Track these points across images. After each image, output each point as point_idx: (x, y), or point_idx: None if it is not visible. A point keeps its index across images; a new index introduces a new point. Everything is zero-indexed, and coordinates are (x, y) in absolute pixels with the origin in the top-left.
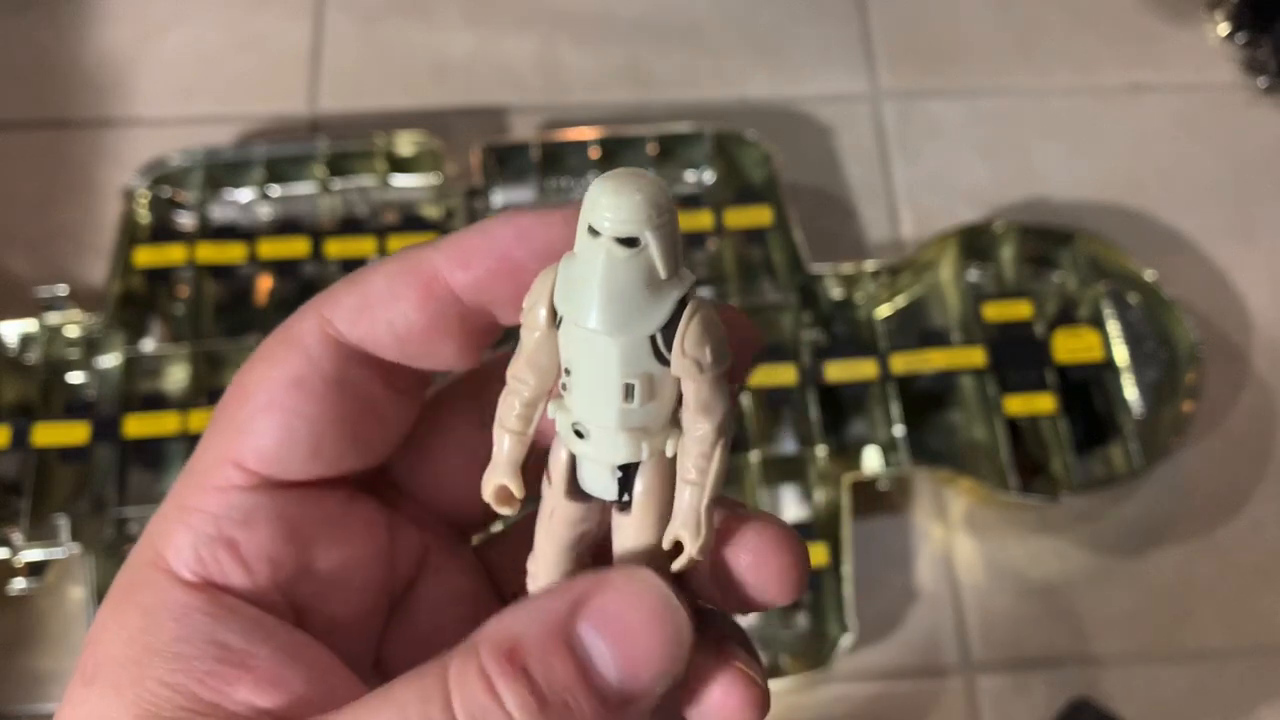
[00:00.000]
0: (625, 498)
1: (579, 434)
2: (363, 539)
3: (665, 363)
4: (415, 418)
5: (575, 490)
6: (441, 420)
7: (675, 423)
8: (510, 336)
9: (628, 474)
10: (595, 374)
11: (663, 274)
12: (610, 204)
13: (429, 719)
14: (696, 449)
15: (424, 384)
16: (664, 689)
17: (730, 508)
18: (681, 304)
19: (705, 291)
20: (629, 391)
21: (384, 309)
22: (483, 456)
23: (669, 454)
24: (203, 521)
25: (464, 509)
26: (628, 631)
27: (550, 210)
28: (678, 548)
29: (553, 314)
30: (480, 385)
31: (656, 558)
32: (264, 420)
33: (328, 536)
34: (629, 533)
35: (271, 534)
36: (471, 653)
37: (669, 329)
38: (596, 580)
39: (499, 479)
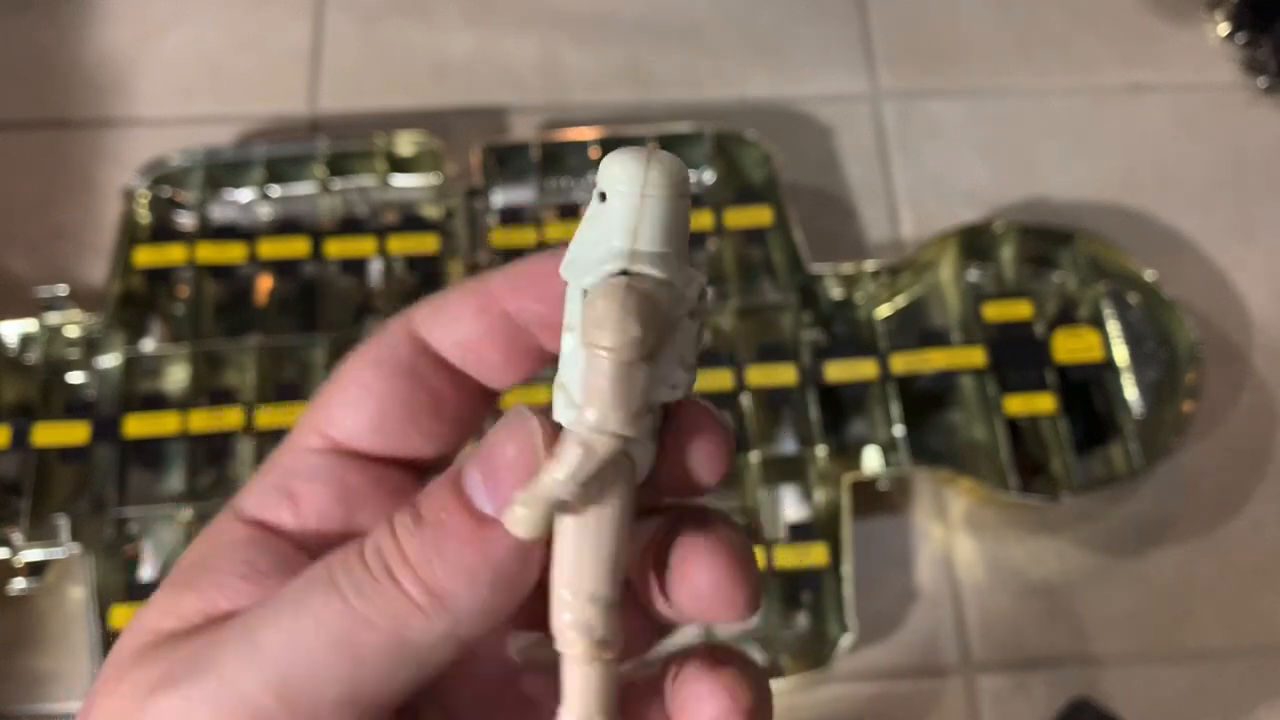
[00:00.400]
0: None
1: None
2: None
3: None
4: (480, 422)
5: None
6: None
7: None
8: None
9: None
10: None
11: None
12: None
13: (346, 558)
14: (561, 444)
15: (490, 397)
16: (535, 516)
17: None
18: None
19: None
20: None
21: (449, 316)
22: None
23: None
24: (273, 473)
25: None
26: (490, 450)
27: None
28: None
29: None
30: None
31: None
32: (340, 392)
33: (379, 505)
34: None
35: (327, 491)
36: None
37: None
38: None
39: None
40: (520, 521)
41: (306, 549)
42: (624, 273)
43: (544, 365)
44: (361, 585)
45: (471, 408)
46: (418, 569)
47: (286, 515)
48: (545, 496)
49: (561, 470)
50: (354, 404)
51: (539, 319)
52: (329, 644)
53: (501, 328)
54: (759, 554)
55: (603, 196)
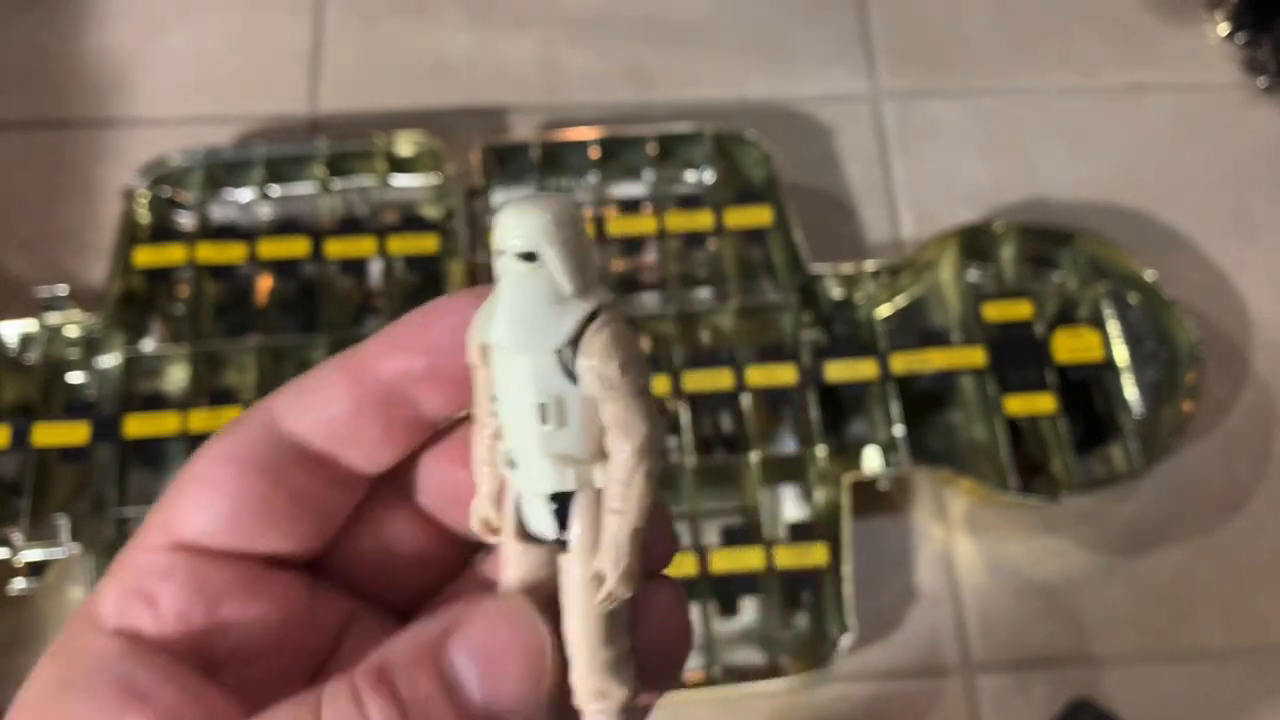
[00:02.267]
0: (562, 535)
1: (512, 463)
2: (279, 605)
3: (576, 382)
4: (349, 513)
5: (522, 531)
6: (366, 508)
7: (601, 464)
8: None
9: (563, 508)
10: (513, 397)
11: (567, 289)
12: (508, 222)
13: None
14: (616, 474)
15: (360, 484)
16: (531, 711)
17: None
18: (591, 320)
19: (705, 292)
20: (544, 413)
21: (315, 395)
22: (406, 540)
23: (598, 485)
24: (128, 576)
25: (393, 588)
26: (492, 653)
27: (476, 295)
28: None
29: (482, 346)
30: (405, 470)
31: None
32: (192, 490)
33: (241, 600)
34: (571, 575)
35: (185, 591)
36: (346, 675)
37: (576, 345)
38: (469, 606)
39: (481, 511)
40: None
41: (178, 654)
42: None
43: (424, 437)
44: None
45: (340, 498)
46: None
47: (146, 619)
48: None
49: (620, 580)
50: (206, 505)
51: (420, 375)
52: None
53: (376, 399)
54: (759, 554)
55: (498, 252)
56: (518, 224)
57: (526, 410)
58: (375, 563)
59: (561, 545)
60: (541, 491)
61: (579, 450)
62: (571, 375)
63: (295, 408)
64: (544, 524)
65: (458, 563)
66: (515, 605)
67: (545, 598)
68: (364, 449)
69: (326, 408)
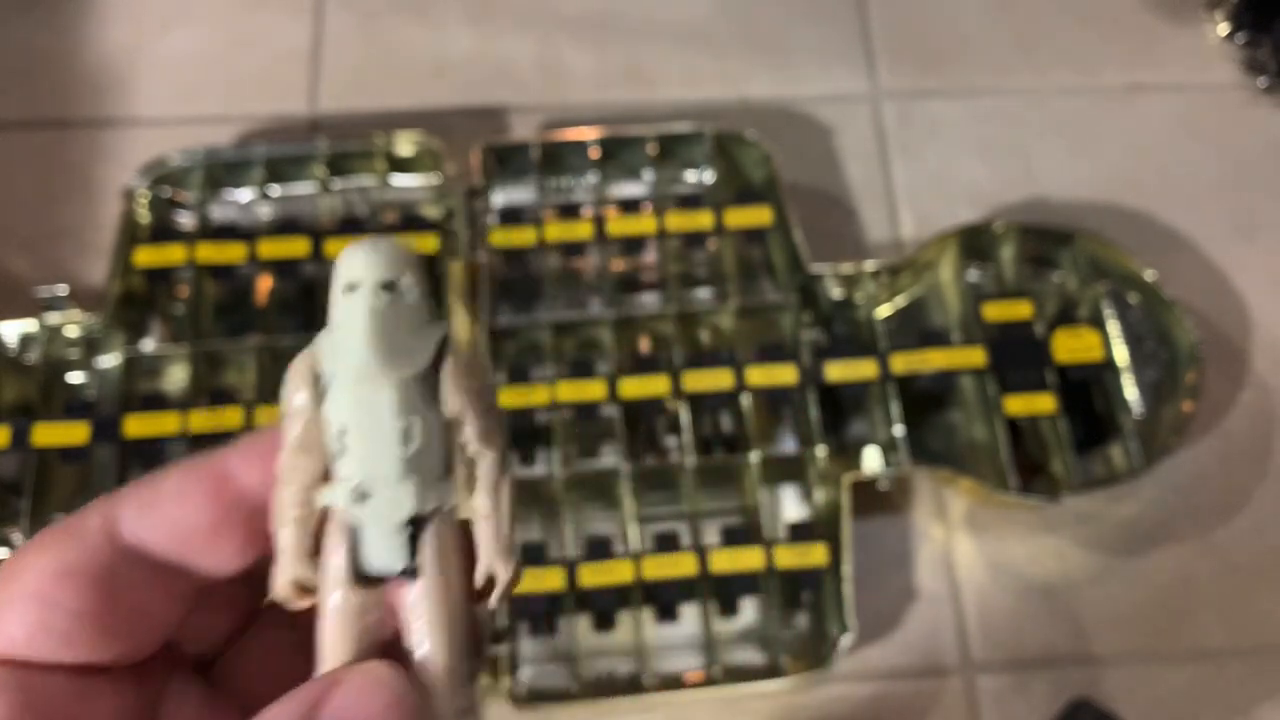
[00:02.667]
0: (412, 563)
1: (362, 496)
2: (111, 706)
3: (432, 404)
4: (179, 622)
5: (358, 575)
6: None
7: (451, 482)
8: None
9: (415, 533)
10: (371, 425)
11: (426, 315)
12: (367, 256)
13: None
14: (486, 480)
15: (196, 590)
16: None
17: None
18: (443, 346)
19: (705, 292)
20: (407, 434)
21: (171, 506)
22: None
23: (456, 508)
24: None
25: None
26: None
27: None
28: (485, 591)
29: (315, 390)
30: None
31: (455, 620)
32: (21, 607)
33: (74, 708)
34: (422, 604)
35: (13, 708)
36: None
37: (434, 370)
38: (330, 679)
39: (292, 572)
40: None
41: None
42: None
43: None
44: None
45: (181, 604)
46: None
47: None
48: None
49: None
50: (34, 620)
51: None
52: None
53: (239, 512)
54: (759, 554)
55: (350, 287)
56: (376, 257)
57: (387, 435)
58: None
59: (410, 574)
60: (400, 517)
61: (439, 470)
62: (427, 398)
63: (144, 518)
64: (392, 555)
65: (242, 616)
66: (381, 676)
67: (382, 646)
68: (219, 558)
69: (183, 520)
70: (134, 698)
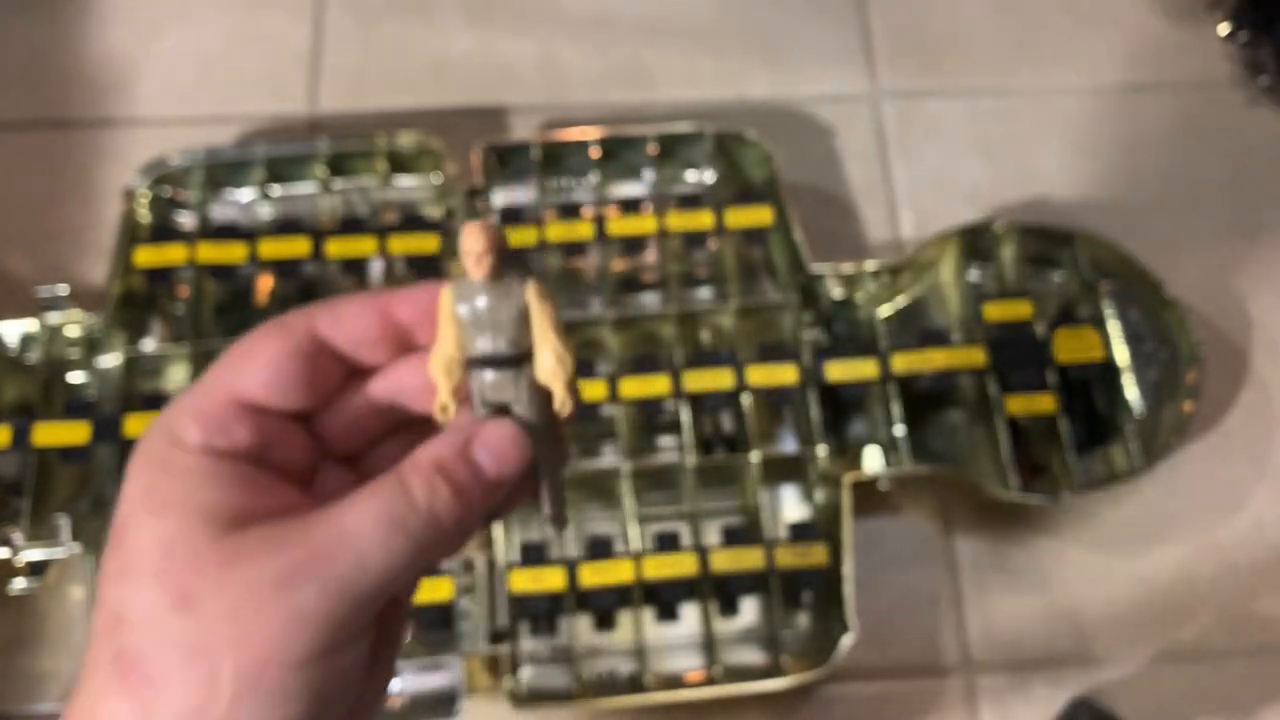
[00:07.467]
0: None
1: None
2: (297, 443)
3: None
4: (339, 385)
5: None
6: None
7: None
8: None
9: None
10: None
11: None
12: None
13: (395, 501)
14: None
15: (353, 371)
16: (513, 480)
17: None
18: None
19: (705, 292)
20: (506, 324)
21: (350, 320)
22: (365, 412)
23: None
24: (204, 408)
25: (345, 442)
26: (500, 448)
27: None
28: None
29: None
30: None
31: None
32: (259, 370)
33: (279, 438)
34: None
35: (249, 429)
36: (415, 464)
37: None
38: (476, 425)
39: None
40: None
41: (248, 461)
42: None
43: (408, 350)
44: (424, 490)
45: (340, 379)
46: (458, 494)
47: (224, 444)
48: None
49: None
50: (267, 379)
51: (419, 321)
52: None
53: (393, 332)
54: (760, 554)
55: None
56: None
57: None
58: (344, 424)
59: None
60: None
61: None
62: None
63: (333, 324)
64: (503, 385)
65: (388, 429)
66: (507, 422)
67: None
68: (373, 356)
69: (358, 331)
70: (312, 441)
